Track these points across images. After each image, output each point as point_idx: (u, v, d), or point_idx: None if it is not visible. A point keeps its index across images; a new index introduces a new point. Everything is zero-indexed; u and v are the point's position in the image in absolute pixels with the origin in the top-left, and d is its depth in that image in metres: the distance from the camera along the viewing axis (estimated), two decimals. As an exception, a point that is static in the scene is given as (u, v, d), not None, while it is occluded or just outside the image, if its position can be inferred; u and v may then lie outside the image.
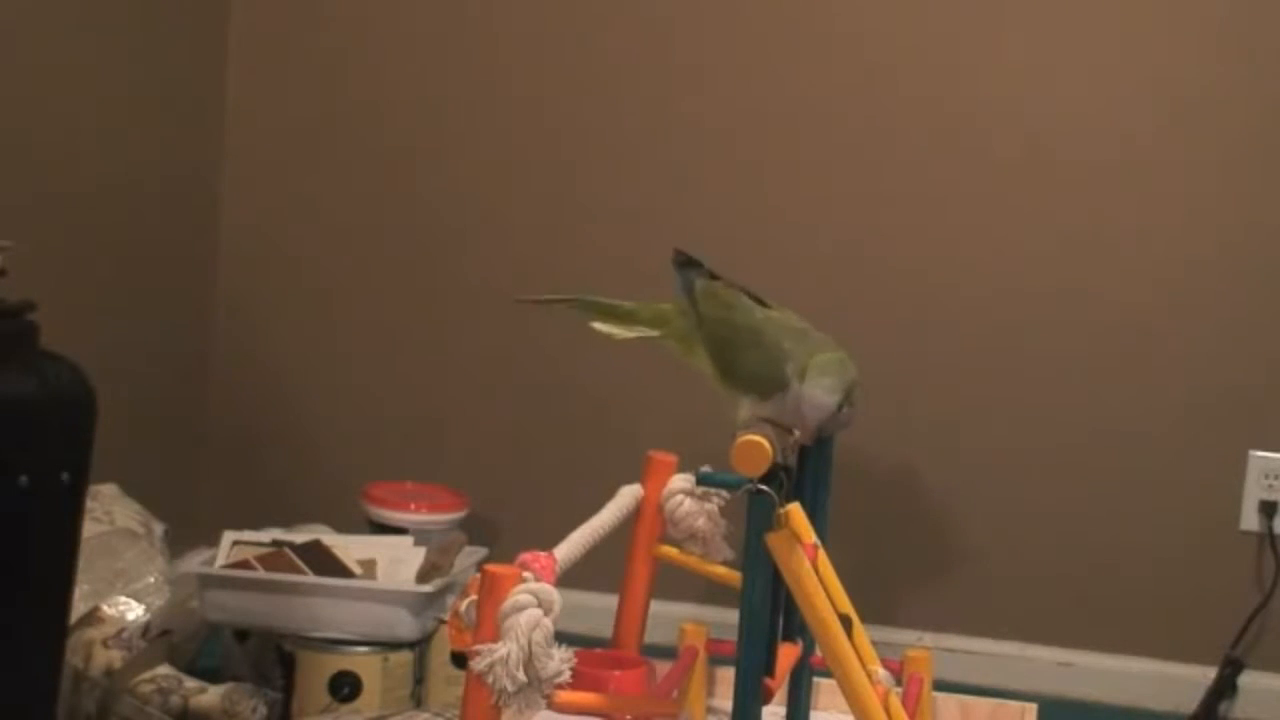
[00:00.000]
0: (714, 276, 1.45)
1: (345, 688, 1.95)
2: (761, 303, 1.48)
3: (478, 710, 1.19)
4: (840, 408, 1.35)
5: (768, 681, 1.39)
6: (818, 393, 1.33)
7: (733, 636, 1.36)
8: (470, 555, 2.11)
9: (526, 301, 1.54)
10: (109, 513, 2.08)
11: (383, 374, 2.61)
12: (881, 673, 1.43)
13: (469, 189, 2.56)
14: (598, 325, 1.51)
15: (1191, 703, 2.34)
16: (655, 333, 1.49)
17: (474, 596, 1.20)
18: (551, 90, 2.52)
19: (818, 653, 1.54)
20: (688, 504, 1.65)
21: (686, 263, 1.46)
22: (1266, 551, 2.34)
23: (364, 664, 1.96)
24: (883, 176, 2.42)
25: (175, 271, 2.56)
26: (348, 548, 2.09)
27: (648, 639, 1.69)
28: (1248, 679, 2.34)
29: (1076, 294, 2.37)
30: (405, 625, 1.97)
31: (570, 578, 1.28)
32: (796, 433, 1.41)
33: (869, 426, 2.25)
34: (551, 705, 1.22)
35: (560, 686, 1.19)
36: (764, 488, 1.31)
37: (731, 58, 2.45)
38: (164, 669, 1.92)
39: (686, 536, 1.66)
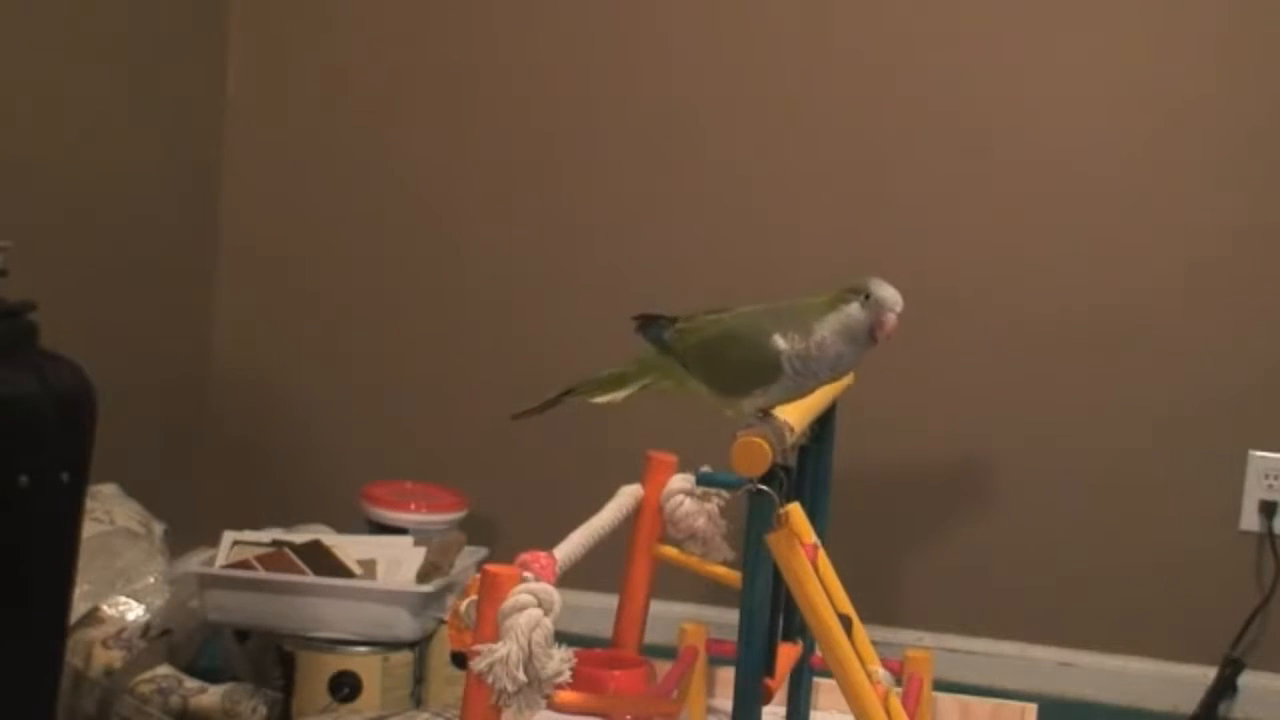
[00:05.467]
0: (673, 320, 1.46)
1: (345, 688, 1.95)
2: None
3: (478, 710, 1.19)
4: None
5: (768, 681, 1.39)
6: (883, 291, 1.32)
7: (733, 636, 1.36)
8: (470, 555, 2.11)
9: (524, 415, 1.54)
10: (109, 513, 2.08)
11: (382, 374, 2.61)
12: (881, 673, 1.43)
13: (468, 189, 2.56)
14: (596, 400, 1.53)
15: (1191, 703, 2.34)
16: (646, 381, 1.50)
17: (474, 596, 1.20)
18: (551, 93, 2.52)
19: (818, 653, 1.55)
20: (688, 504, 1.65)
21: (646, 321, 1.46)
22: (1266, 551, 2.34)
23: (364, 664, 1.96)
24: (883, 180, 2.42)
25: (175, 271, 2.56)
26: (348, 548, 2.09)
27: (648, 639, 1.69)
28: (1248, 679, 2.34)
29: (1076, 295, 2.37)
30: (405, 625, 1.97)
31: (570, 578, 1.28)
32: (790, 427, 1.40)
33: (869, 427, 2.25)
34: (551, 705, 1.22)
35: (560, 686, 1.19)
36: (764, 488, 1.31)
37: (735, 60, 2.45)
38: (164, 669, 1.92)
39: (686, 536, 1.66)
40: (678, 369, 1.43)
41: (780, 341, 1.32)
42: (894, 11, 2.40)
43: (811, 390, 1.38)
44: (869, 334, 1.32)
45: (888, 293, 1.32)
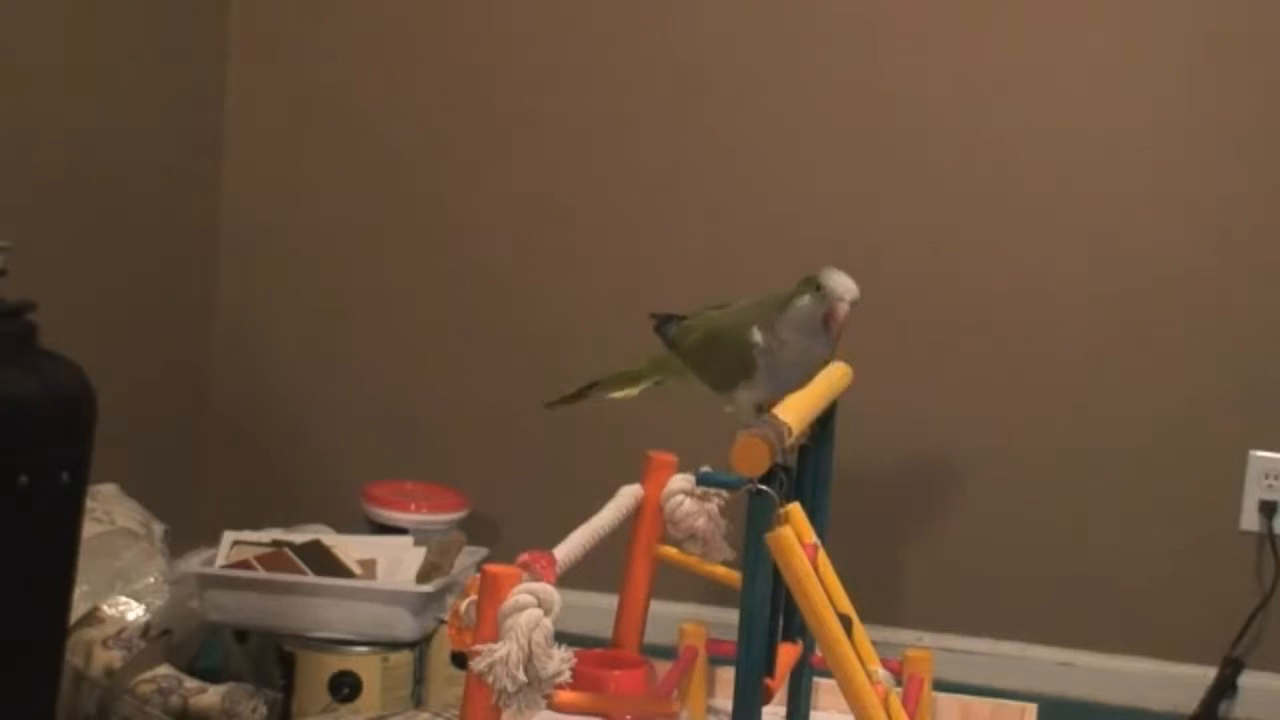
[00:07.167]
0: (683, 319, 1.50)
1: (345, 688, 1.95)
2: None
3: (478, 710, 1.19)
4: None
5: (768, 681, 1.39)
6: (832, 281, 1.35)
7: (733, 636, 1.36)
8: (470, 555, 2.10)
9: (557, 404, 1.61)
10: (109, 513, 2.08)
11: (383, 374, 2.61)
12: (881, 673, 1.43)
13: (469, 188, 2.56)
14: (613, 395, 1.58)
15: (1191, 703, 2.34)
16: (657, 378, 1.54)
17: (474, 596, 1.20)
18: (554, 88, 2.52)
19: (818, 653, 1.55)
20: (688, 504, 1.65)
21: (663, 321, 1.51)
22: (1266, 551, 2.34)
23: (364, 664, 1.96)
24: (883, 178, 2.42)
25: (175, 271, 2.56)
26: (348, 548, 2.09)
27: (648, 639, 1.69)
28: (1248, 679, 2.34)
29: (1077, 294, 2.37)
30: (405, 625, 1.97)
31: (570, 578, 1.28)
32: (790, 427, 1.40)
33: (869, 426, 2.25)
34: (551, 705, 1.22)
35: (560, 686, 1.19)
36: (764, 488, 1.31)
37: (738, 58, 2.45)
38: (164, 669, 1.92)
39: (686, 536, 1.66)
40: (681, 366, 1.44)
41: (755, 335, 1.34)
42: (896, 12, 2.40)
43: (802, 383, 1.38)
44: (824, 325, 1.34)
45: (837, 282, 1.34)
